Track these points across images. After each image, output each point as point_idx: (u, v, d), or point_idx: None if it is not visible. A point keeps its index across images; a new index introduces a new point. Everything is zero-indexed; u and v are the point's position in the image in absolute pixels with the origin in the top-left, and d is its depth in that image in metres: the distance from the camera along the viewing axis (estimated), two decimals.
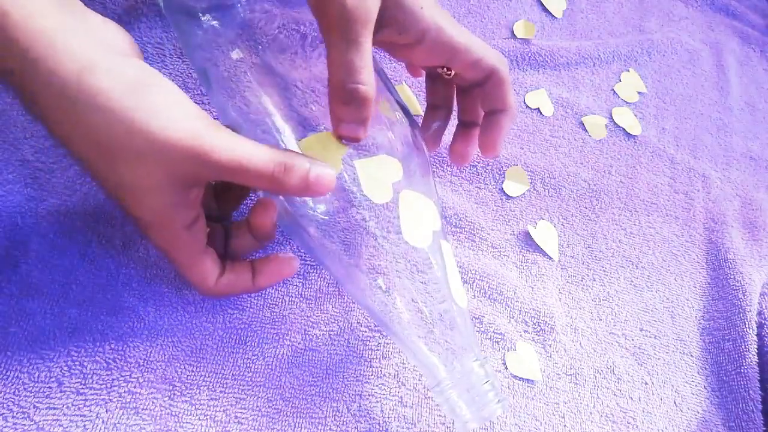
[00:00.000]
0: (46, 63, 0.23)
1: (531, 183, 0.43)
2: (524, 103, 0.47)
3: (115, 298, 0.31)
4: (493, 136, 0.34)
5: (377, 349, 0.34)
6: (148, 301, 0.32)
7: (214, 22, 0.31)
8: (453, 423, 0.33)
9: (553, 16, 0.54)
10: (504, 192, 0.42)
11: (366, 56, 0.27)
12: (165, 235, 0.27)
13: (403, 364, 0.34)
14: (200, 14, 0.31)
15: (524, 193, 0.43)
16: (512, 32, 0.51)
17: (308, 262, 0.35)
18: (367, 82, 0.27)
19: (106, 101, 0.23)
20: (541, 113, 0.47)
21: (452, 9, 0.51)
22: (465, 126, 0.37)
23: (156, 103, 0.24)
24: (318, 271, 0.35)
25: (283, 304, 0.34)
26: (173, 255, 0.28)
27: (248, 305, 0.33)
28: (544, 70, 0.50)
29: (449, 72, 0.34)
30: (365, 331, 0.34)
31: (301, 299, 0.34)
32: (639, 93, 0.52)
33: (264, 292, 0.34)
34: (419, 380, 0.34)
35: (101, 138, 0.24)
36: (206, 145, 0.24)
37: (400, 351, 0.34)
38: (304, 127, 0.30)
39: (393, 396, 0.33)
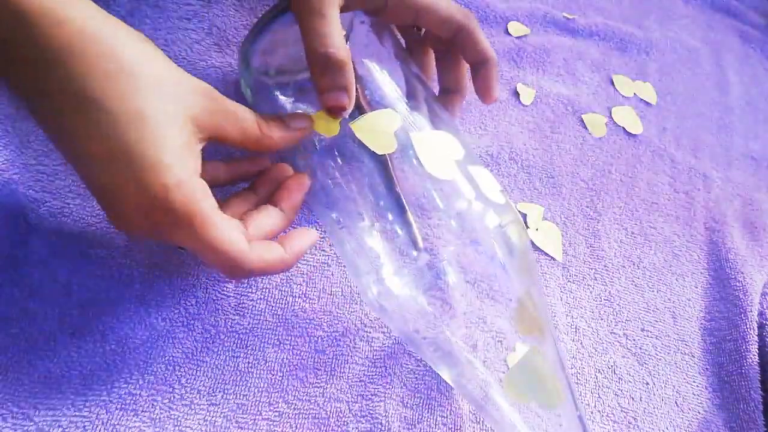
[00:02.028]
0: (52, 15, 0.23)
1: (531, 182, 0.43)
2: (520, 101, 0.47)
3: (116, 300, 0.31)
4: (486, 85, 0.35)
5: (381, 350, 0.34)
6: (149, 303, 0.32)
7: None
8: (452, 424, 0.33)
9: (553, 15, 0.54)
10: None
11: (332, 24, 0.28)
12: (184, 185, 0.25)
13: (406, 365, 0.34)
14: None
15: (525, 193, 0.43)
16: (507, 30, 0.51)
17: (310, 262, 0.35)
18: (337, 46, 0.28)
19: (117, 37, 0.24)
20: (542, 110, 0.47)
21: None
22: (445, 92, 0.38)
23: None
24: (322, 270, 0.35)
25: (286, 306, 0.34)
26: (193, 212, 0.25)
27: (250, 309, 0.33)
28: (542, 66, 0.50)
29: (420, 32, 0.36)
30: (369, 332, 0.34)
31: (305, 299, 0.34)
32: (646, 102, 0.52)
33: (266, 293, 0.34)
34: (422, 381, 0.34)
35: (114, 68, 0.23)
36: (215, 92, 0.27)
37: (411, 349, 0.34)
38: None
39: (395, 397, 0.33)
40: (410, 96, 0.33)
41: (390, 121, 0.31)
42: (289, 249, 0.29)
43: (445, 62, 0.37)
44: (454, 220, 0.29)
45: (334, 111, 0.30)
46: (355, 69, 0.30)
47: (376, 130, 0.30)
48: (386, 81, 0.33)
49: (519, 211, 0.42)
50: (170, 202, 0.24)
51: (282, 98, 0.33)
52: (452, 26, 0.33)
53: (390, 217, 0.29)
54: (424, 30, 0.36)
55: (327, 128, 0.30)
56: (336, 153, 0.31)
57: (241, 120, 0.28)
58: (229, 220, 0.26)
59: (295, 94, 0.33)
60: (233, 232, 0.26)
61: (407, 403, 0.33)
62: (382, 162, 0.30)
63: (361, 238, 0.30)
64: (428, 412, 0.33)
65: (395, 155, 0.30)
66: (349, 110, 0.30)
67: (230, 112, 0.27)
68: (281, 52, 0.33)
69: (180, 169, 0.24)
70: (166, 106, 0.24)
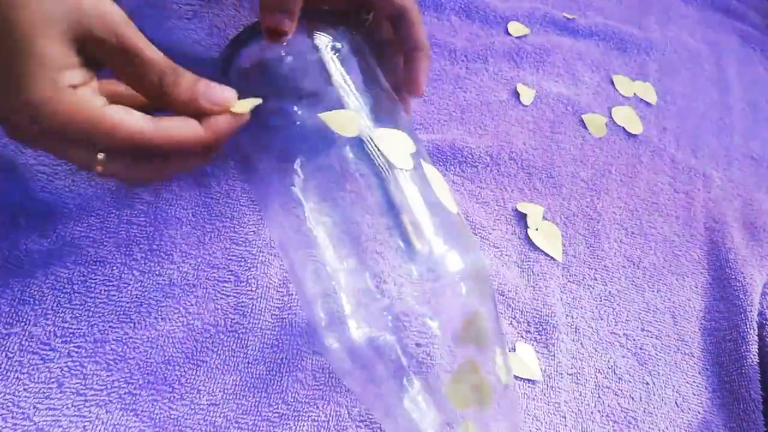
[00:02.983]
0: None
1: (531, 182, 0.43)
2: (520, 101, 0.47)
3: (116, 300, 0.31)
4: (414, 75, 0.34)
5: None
6: (149, 303, 0.32)
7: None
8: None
9: (553, 15, 0.54)
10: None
11: None
12: (51, 95, 0.24)
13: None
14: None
15: (525, 193, 0.43)
16: (507, 30, 0.51)
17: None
18: None
19: None
20: (542, 110, 0.47)
21: (451, 2, 0.51)
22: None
23: None
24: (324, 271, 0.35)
25: (287, 308, 0.34)
26: (79, 110, 0.24)
27: (250, 309, 0.33)
28: (542, 66, 0.50)
29: (368, 17, 0.35)
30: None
31: None
32: (646, 102, 0.52)
33: (265, 293, 0.34)
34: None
35: None
36: (106, 7, 0.24)
37: None
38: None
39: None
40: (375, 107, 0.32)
41: (406, 143, 0.30)
42: (206, 124, 0.27)
43: (390, 60, 0.36)
44: (414, 264, 0.27)
45: (273, 34, 0.29)
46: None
47: (395, 147, 0.30)
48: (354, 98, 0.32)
49: (519, 211, 0.42)
50: (55, 104, 0.23)
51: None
52: (395, 4, 0.33)
53: (348, 261, 0.28)
54: (371, 17, 0.35)
55: (344, 127, 0.29)
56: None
57: (117, 24, 0.25)
58: (123, 108, 0.25)
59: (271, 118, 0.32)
60: (127, 113, 0.25)
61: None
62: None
63: (320, 275, 0.28)
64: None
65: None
66: (288, 36, 0.29)
67: (115, 39, 0.25)
68: (256, 77, 0.33)
69: (58, 73, 0.24)
70: (43, 16, 0.23)
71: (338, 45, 0.33)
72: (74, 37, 0.24)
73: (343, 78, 0.32)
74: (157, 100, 0.26)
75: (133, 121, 0.25)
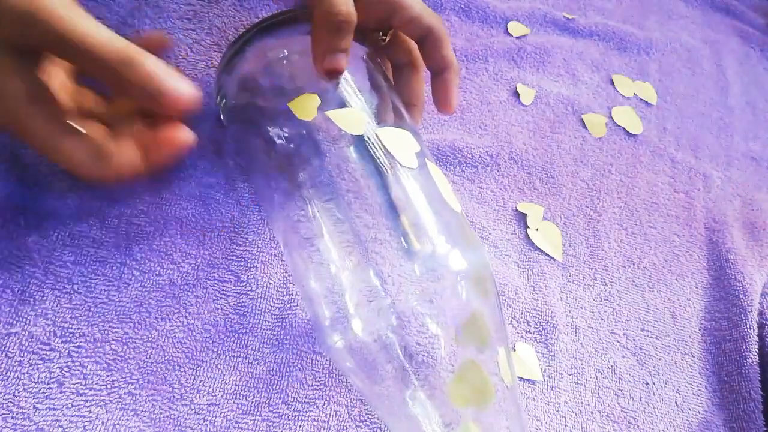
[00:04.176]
0: None
1: (531, 182, 0.43)
2: (520, 101, 0.47)
3: (116, 300, 0.31)
4: (445, 94, 0.35)
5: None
6: (149, 303, 0.32)
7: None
8: None
9: (553, 15, 0.54)
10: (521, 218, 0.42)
11: None
12: (11, 112, 0.24)
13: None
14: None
15: (525, 193, 0.43)
16: (507, 30, 0.51)
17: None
18: (351, 11, 0.28)
19: None
20: (542, 110, 0.47)
21: (451, 2, 0.51)
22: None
23: None
24: (327, 269, 0.35)
25: (287, 308, 0.34)
26: (27, 136, 0.25)
27: (250, 309, 0.33)
28: (542, 66, 0.50)
29: (384, 38, 0.35)
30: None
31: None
32: (646, 102, 0.52)
33: (266, 293, 0.34)
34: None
35: None
36: (45, 10, 0.23)
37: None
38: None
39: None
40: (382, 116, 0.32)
41: (411, 142, 0.30)
42: (151, 153, 0.27)
43: (403, 76, 0.37)
44: (416, 263, 0.27)
45: (330, 74, 0.29)
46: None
47: (400, 146, 0.30)
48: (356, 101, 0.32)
49: (519, 211, 0.42)
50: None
51: (261, 126, 0.32)
52: (422, 26, 0.33)
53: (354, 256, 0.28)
54: (388, 37, 0.36)
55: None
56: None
57: (75, 49, 0.24)
58: (65, 132, 0.25)
59: (273, 120, 0.32)
60: (66, 143, 0.25)
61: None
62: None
63: (323, 274, 0.28)
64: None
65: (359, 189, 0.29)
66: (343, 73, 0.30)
67: (58, 38, 0.23)
68: (258, 76, 0.32)
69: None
70: None
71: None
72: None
73: (347, 82, 0.32)
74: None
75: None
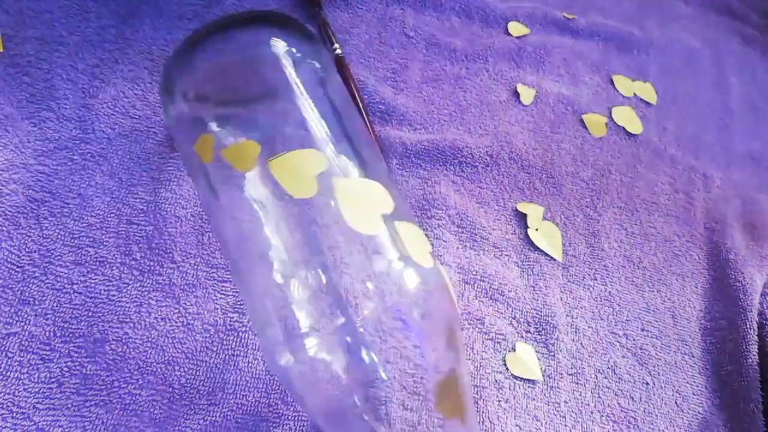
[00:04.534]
0: None
1: (531, 182, 0.43)
2: (520, 101, 0.47)
3: (116, 300, 0.31)
4: None
5: (380, 354, 0.34)
6: (149, 303, 0.32)
7: None
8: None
9: (553, 15, 0.54)
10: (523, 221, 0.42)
11: None
12: None
13: (405, 369, 0.34)
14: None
15: (525, 193, 0.43)
16: (507, 30, 0.51)
17: None
18: None
19: None
20: (542, 110, 0.47)
21: (451, 2, 0.51)
22: None
23: None
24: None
25: None
26: None
27: None
28: (542, 66, 0.50)
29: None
30: (367, 335, 0.34)
31: None
32: (646, 102, 0.52)
33: None
34: (420, 384, 0.33)
35: None
36: None
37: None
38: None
39: (395, 400, 0.33)
40: (341, 140, 0.29)
41: (314, 162, 0.27)
42: None
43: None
44: (371, 281, 0.26)
45: None
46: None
47: (297, 171, 0.27)
48: (315, 119, 0.29)
49: (519, 211, 0.42)
50: None
51: (206, 125, 0.29)
52: None
53: (306, 269, 0.26)
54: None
55: (241, 163, 0.27)
56: (258, 190, 0.27)
57: None
58: None
59: (219, 122, 0.29)
60: None
61: (408, 405, 0.33)
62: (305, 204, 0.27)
63: (274, 290, 0.26)
64: (426, 413, 0.33)
65: (314, 202, 0.27)
66: None
67: None
68: (209, 77, 0.30)
69: None
70: None
71: (310, 61, 0.31)
72: None
73: (299, 89, 0.29)
74: None
75: None
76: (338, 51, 0.45)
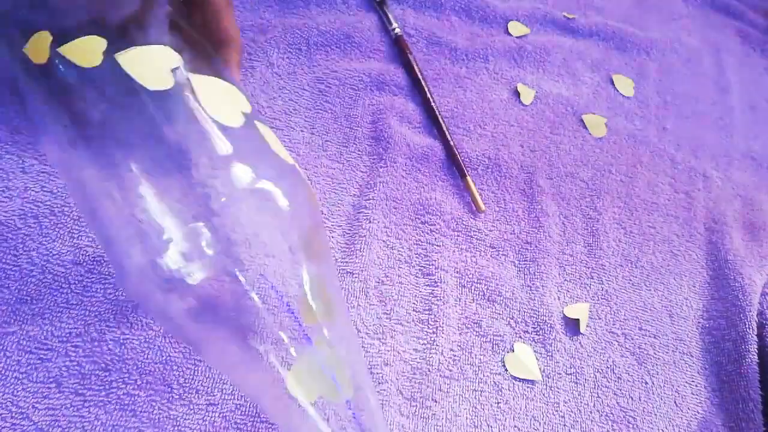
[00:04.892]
0: None
1: (531, 182, 0.43)
2: (520, 101, 0.47)
3: (115, 299, 0.31)
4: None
5: (378, 356, 0.34)
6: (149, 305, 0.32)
7: None
8: (448, 429, 0.33)
9: (553, 15, 0.54)
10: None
11: None
12: None
13: (402, 372, 0.34)
14: None
15: (525, 193, 0.43)
16: (507, 30, 0.51)
17: None
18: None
19: None
20: (542, 111, 0.47)
21: (451, 2, 0.51)
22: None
23: None
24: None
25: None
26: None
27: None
28: (542, 66, 0.50)
29: None
30: (365, 338, 0.34)
31: None
32: (626, 97, 0.52)
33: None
34: (417, 390, 0.33)
35: None
36: None
37: None
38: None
39: (392, 405, 0.33)
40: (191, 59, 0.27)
41: (166, 57, 0.26)
42: None
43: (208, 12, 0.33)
44: (218, 179, 0.24)
45: None
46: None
47: (149, 64, 0.25)
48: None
49: (519, 211, 0.42)
50: None
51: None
52: None
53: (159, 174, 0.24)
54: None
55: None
56: (103, 83, 0.25)
57: None
58: None
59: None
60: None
61: (404, 412, 0.33)
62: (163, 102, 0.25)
63: (133, 196, 0.24)
64: (422, 420, 0.33)
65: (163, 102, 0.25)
66: None
67: None
68: None
69: None
70: None
71: None
72: None
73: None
74: None
75: None
76: (397, 31, 0.46)
